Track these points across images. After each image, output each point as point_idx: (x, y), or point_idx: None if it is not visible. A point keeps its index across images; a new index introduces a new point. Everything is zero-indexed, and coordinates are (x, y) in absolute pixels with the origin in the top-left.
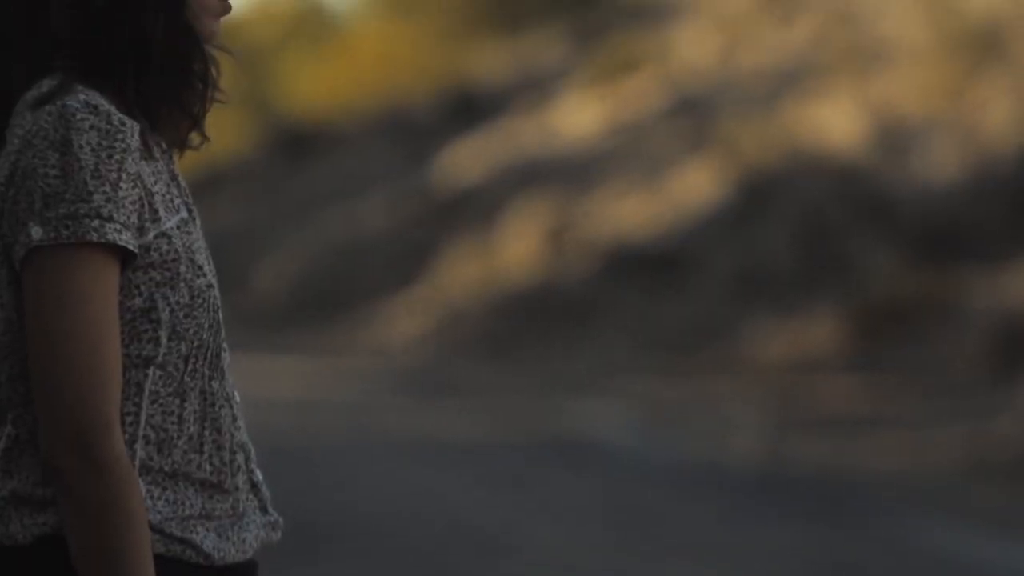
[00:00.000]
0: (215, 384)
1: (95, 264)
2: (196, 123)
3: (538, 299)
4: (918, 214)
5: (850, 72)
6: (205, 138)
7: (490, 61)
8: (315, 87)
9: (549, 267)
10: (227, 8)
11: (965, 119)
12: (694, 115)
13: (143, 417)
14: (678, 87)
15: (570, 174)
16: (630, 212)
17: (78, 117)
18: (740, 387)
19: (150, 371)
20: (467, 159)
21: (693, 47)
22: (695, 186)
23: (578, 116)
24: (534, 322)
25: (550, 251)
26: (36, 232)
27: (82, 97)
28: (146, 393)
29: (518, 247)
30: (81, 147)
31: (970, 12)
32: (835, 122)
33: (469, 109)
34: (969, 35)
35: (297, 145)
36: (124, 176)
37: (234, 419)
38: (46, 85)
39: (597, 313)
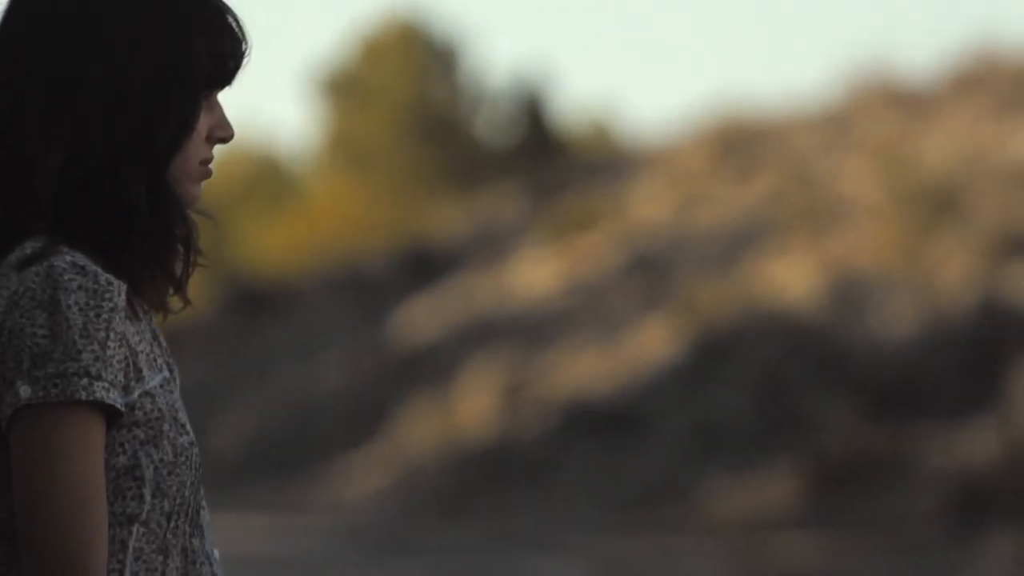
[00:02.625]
0: (196, 542)
1: (83, 422)
2: (179, 287)
3: (495, 456)
4: (874, 370)
5: (806, 230)
6: (187, 302)
7: (446, 218)
8: (272, 245)
9: (506, 424)
10: (208, 172)
11: (920, 276)
12: (650, 272)
13: (127, 574)
14: (634, 245)
15: (526, 331)
16: (586, 369)
17: (66, 277)
18: (697, 543)
19: (134, 528)
20: (423, 316)
21: (649, 205)
22: (651, 343)
23: (534, 273)
24: (491, 479)
25: (507, 408)
26: (24, 391)
27: (68, 258)
28: (130, 550)
29: (475, 404)
30: (69, 307)
31: (924, 170)
32: (791, 279)
33: (425, 266)
34: (923, 193)
35: (253, 303)
36: (112, 335)
37: None
38: (30, 247)
39: (554, 470)
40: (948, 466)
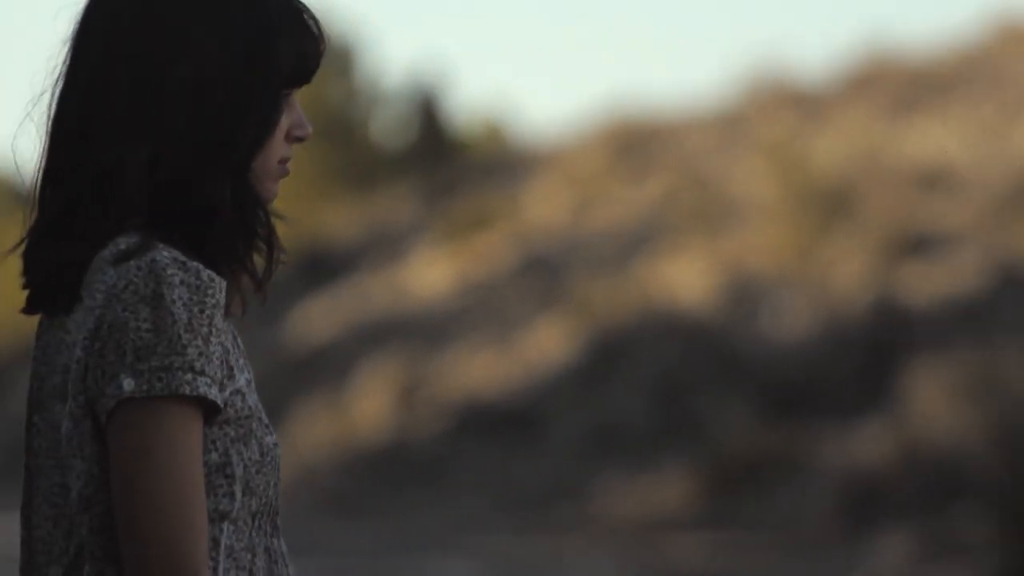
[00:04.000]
0: (275, 542)
1: (184, 417)
2: (260, 285)
3: (390, 457)
4: (769, 371)
5: (700, 230)
6: (265, 300)
7: (341, 219)
8: None
9: (401, 425)
10: (286, 171)
11: (815, 276)
12: (545, 273)
13: (220, 571)
14: (529, 245)
15: (422, 332)
16: (482, 370)
17: (168, 272)
18: (593, 545)
19: (224, 526)
20: (319, 317)
21: (544, 205)
22: (547, 344)
23: (429, 274)
24: (386, 480)
25: (402, 409)
26: (128, 384)
27: (167, 253)
28: (222, 547)
29: (370, 405)
30: (173, 301)
31: (818, 170)
32: (686, 280)
33: (320, 267)
34: (817, 193)
35: None
36: (214, 331)
37: None
38: (124, 242)
39: (449, 471)
40: (842, 466)
